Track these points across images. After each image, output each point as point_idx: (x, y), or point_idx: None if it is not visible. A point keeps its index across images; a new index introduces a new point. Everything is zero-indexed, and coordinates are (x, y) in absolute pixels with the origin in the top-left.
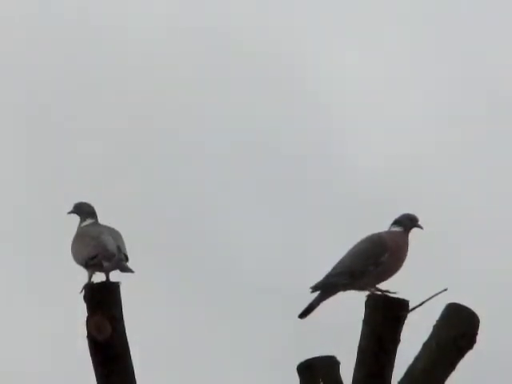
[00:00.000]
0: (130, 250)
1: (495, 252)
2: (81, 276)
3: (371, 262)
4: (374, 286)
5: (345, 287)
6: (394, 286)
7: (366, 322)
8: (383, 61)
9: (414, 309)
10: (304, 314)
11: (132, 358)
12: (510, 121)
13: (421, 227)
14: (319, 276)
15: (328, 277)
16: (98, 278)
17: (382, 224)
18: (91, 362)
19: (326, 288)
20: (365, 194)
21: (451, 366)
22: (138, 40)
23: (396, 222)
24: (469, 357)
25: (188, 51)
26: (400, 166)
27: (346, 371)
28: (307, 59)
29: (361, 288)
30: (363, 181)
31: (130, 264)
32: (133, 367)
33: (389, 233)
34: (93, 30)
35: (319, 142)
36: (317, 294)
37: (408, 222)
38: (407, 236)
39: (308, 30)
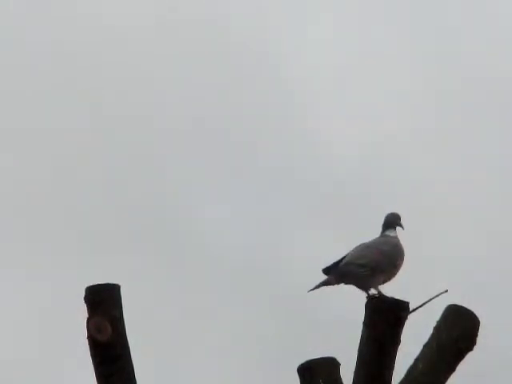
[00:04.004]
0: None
1: (467, 238)
2: (78, 274)
3: (393, 263)
4: (377, 286)
5: (354, 280)
6: (394, 287)
7: (366, 323)
8: (358, 48)
9: (414, 310)
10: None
11: (132, 357)
12: (483, 108)
13: (402, 227)
14: (318, 260)
15: (347, 264)
16: (103, 280)
17: (357, 207)
18: (91, 362)
19: (342, 274)
20: (339, 181)
21: (451, 368)
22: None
23: (388, 226)
24: (468, 358)
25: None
26: (374, 152)
27: (347, 372)
28: (282, 46)
29: (366, 285)
30: (338, 167)
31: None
32: (133, 367)
33: (397, 240)
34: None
35: (292, 129)
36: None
37: (397, 221)
38: None
39: (281, 19)
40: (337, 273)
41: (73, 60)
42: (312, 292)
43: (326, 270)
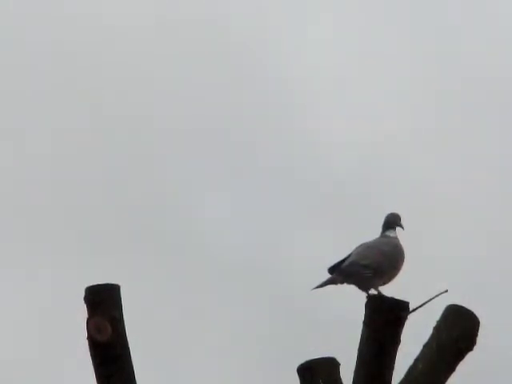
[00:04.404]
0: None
1: (467, 238)
2: (78, 274)
3: (393, 264)
4: (377, 287)
5: (357, 280)
6: (394, 287)
7: (366, 323)
8: (358, 48)
9: (414, 310)
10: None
11: (132, 358)
12: (483, 108)
13: (402, 227)
14: (326, 259)
15: (351, 265)
16: (103, 280)
17: (357, 207)
18: (91, 362)
19: (346, 274)
20: (339, 181)
21: (451, 367)
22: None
23: (388, 226)
24: (468, 358)
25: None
26: (374, 152)
27: (347, 372)
28: (282, 46)
29: (367, 286)
30: (338, 167)
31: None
32: (133, 367)
33: (398, 240)
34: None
35: (292, 129)
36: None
37: (397, 221)
38: None
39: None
40: (341, 272)
41: (73, 60)
42: (312, 292)
43: (331, 269)
